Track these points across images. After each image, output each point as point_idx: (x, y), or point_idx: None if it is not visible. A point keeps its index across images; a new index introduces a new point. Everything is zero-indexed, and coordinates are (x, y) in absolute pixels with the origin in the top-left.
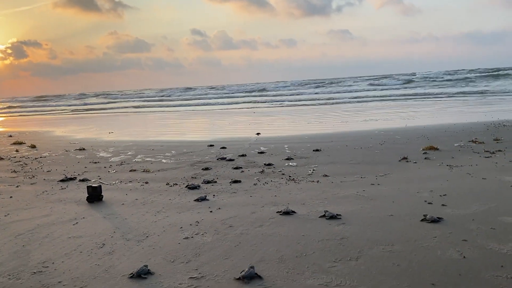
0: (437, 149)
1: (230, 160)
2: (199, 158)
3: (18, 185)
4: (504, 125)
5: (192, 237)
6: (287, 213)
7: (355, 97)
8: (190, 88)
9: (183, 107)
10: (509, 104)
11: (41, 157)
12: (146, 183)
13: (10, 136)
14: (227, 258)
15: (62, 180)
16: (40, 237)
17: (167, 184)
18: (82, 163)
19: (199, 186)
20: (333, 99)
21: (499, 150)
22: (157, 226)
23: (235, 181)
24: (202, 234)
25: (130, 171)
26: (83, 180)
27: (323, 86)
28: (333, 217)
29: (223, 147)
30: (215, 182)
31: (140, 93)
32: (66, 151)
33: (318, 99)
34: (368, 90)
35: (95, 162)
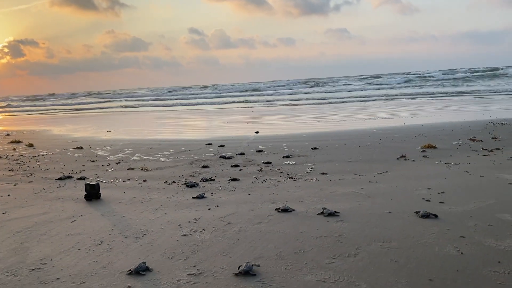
0: (435, 147)
1: (228, 158)
2: (197, 156)
3: (16, 183)
4: (502, 123)
5: (190, 234)
6: (285, 210)
7: (349, 97)
8: (185, 87)
9: (175, 106)
10: (507, 103)
11: (38, 155)
12: (144, 181)
13: (8, 135)
14: (226, 255)
15: (60, 178)
16: (38, 234)
17: (165, 182)
18: (80, 161)
19: (197, 184)
20: (328, 98)
21: (497, 148)
22: (155, 223)
23: (233, 179)
24: (201, 231)
25: (128, 169)
26: (81, 178)
27: (317, 86)
28: (331, 214)
29: (221, 145)
30: (213, 180)
31: (132, 93)
32: (64, 149)
33: (313, 99)
34: (362, 90)
35: (93, 161)
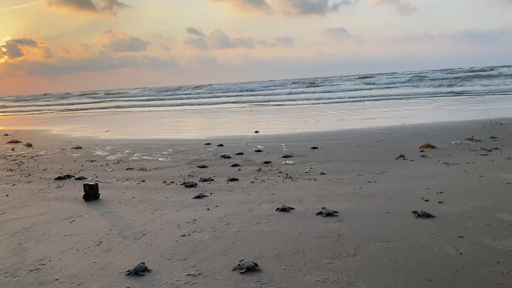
0: (434, 147)
1: (227, 158)
2: (196, 156)
3: (15, 183)
4: (500, 123)
5: (189, 234)
6: (285, 209)
7: (348, 97)
8: (180, 87)
9: (166, 107)
10: (506, 102)
11: (37, 155)
12: (143, 181)
13: (6, 134)
14: (225, 255)
15: (58, 179)
16: (37, 235)
17: (164, 182)
18: (79, 161)
19: (196, 184)
20: (324, 98)
21: (496, 148)
22: (154, 223)
23: (232, 179)
24: (200, 232)
25: (126, 169)
26: (79, 179)
27: (313, 86)
28: (330, 214)
29: (220, 145)
30: (212, 180)
31: (124, 93)
32: (62, 149)
33: (308, 99)
34: (360, 90)
35: (92, 161)
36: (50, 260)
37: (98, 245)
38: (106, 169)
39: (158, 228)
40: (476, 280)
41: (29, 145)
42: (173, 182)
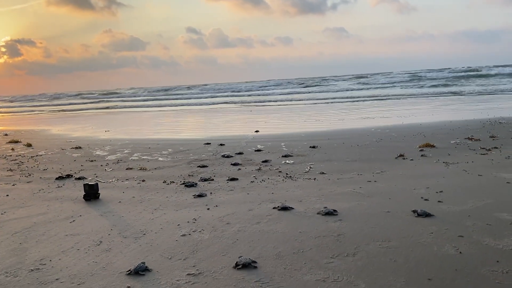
0: (433, 146)
1: (227, 157)
2: (196, 156)
3: (15, 183)
4: (500, 122)
5: (189, 234)
6: (285, 208)
7: (347, 97)
8: (170, 87)
9: (159, 107)
10: (505, 102)
11: (37, 155)
12: (143, 181)
13: (6, 134)
14: (225, 254)
15: (58, 178)
16: (37, 235)
17: (164, 182)
18: (79, 161)
19: (196, 184)
20: (322, 98)
21: (495, 147)
22: (154, 223)
23: (232, 179)
24: (200, 231)
25: (126, 169)
26: (79, 178)
27: (311, 86)
28: (329, 213)
29: (220, 145)
30: (212, 180)
31: (119, 93)
32: (62, 149)
33: (305, 99)
34: (358, 90)
35: (92, 161)
36: (50, 260)
37: (99, 245)
38: (106, 169)
39: (158, 228)
40: (476, 279)
41: (29, 145)
42: (173, 182)
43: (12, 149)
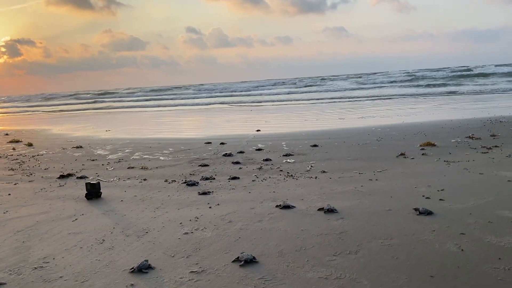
0: (434, 145)
1: (228, 156)
2: (197, 155)
3: (16, 182)
4: (500, 121)
5: (192, 232)
6: (287, 207)
7: (347, 97)
8: (162, 88)
9: (151, 107)
10: (506, 101)
11: (38, 155)
12: (145, 180)
13: (6, 134)
14: (227, 252)
15: (60, 178)
16: (40, 233)
17: (166, 181)
18: (80, 160)
19: (197, 182)
20: (319, 98)
21: (496, 146)
22: (156, 222)
23: (234, 178)
24: (202, 230)
25: (128, 168)
26: (81, 178)
27: (309, 85)
28: (330, 210)
29: (222, 143)
30: (214, 178)
31: (115, 93)
32: (63, 149)
33: (302, 99)
34: (358, 89)
35: (93, 160)
36: (54, 258)
37: (101, 243)
38: (108, 168)
39: (160, 226)
40: (478, 276)
41: (30, 144)
42: (175, 181)
43: (13, 149)
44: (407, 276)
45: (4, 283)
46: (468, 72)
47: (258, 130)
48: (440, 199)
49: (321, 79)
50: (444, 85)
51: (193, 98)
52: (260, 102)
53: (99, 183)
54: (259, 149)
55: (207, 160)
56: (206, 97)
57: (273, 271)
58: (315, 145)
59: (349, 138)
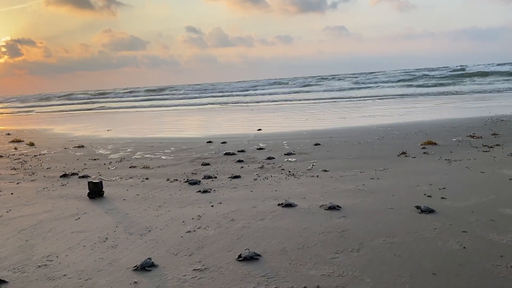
0: (435, 144)
1: (230, 155)
2: (199, 154)
3: (19, 182)
4: (501, 120)
5: (194, 230)
6: (289, 205)
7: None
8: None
9: (146, 108)
10: (506, 100)
11: (40, 154)
12: (147, 179)
13: (8, 134)
14: (230, 250)
15: (62, 177)
16: (43, 232)
17: (168, 180)
18: (82, 160)
19: (199, 181)
20: (318, 98)
21: (497, 145)
22: (159, 220)
23: (235, 177)
24: (204, 228)
25: (130, 167)
26: (83, 177)
27: (310, 84)
28: (332, 207)
29: (223, 142)
30: (215, 177)
31: (112, 93)
32: (65, 148)
33: (303, 98)
34: (359, 89)
35: (95, 159)
36: (57, 256)
37: (105, 241)
38: (109, 167)
39: (163, 225)
40: (480, 274)
41: (32, 144)
42: (177, 180)
43: (15, 148)
44: (410, 273)
45: (7, 282)
46: (469, 71)
47: (259, 129)
48: (442, 198)
49: (321, 78)
50: (445, 84)
51: (193, 98)
52: (260, 101)
53: (101, 182)
54: (260, 148)
55: (208, 159)
56: (206, 97)
57: (275, 268)
58: (316, 144)
59: (351, 137)
